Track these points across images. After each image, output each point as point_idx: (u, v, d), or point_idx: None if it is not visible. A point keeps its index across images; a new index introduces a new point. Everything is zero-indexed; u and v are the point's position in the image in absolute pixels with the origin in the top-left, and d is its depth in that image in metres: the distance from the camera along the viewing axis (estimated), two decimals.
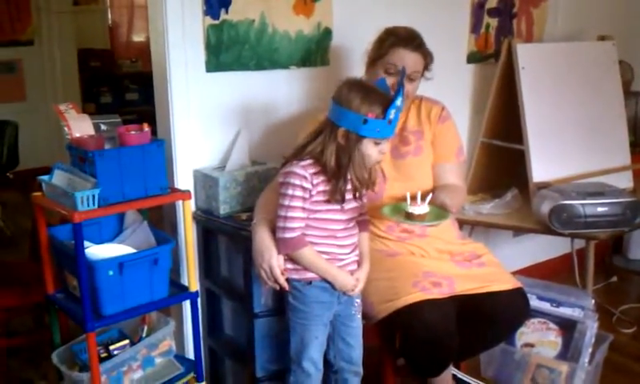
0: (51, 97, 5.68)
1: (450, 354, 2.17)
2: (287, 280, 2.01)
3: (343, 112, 1.88)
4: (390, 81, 2.14)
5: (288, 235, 1.95)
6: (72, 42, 5.73)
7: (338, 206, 1.97)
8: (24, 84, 5.76)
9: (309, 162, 1.93)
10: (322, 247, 1.98)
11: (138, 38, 6.96)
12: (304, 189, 1.92)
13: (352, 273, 2.04)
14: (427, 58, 2.26)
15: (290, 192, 1.92)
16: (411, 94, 2.27)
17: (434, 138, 2.34)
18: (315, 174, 1.92)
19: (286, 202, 1.93)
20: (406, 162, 2.30)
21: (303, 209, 1.93)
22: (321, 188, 1.93)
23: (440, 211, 2.10)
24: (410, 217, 2.05)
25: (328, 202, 1.95)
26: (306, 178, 1.91)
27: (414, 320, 2.07)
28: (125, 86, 6.54)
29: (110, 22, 6.82)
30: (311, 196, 1.93)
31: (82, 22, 6.03)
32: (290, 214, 1.93)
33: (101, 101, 6.28)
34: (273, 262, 1.98)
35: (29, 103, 5.75)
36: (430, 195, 2.10)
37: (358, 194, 1.98)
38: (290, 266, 2.00)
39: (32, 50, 5.72)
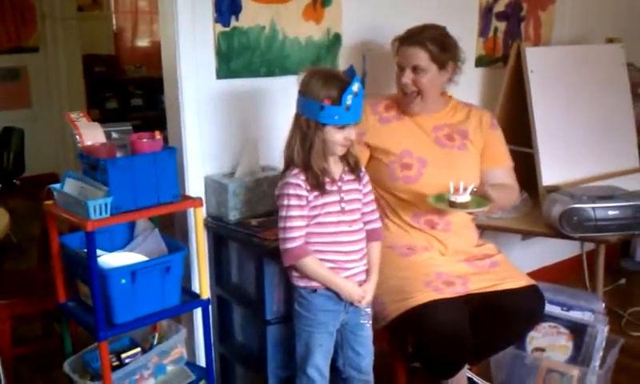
0: (56, 103, 5.69)
1: (464, 353, 2.17)
2: (294, 287, 2.02)
3: (304, 101, 1.93)
4: (403, 79, 2.30)
5: (289, 245, 1.95)
6: (77, 48, 5.73)
7: (337, 208, 1.98)
8: (29, 90, 5.77)
9: (298, 169, 1.95)
10: (327, 255, 1.99)
11: (142, 43, 6.97)
12: (299, 196, 1.93)
13: (360, 284, 2.04)
14: (430, 50, 2.28)
15: (285, 202, 1.95)
16: (425, 85, 2.32)
17: (487, 143, 2.42)
18: (306, 179, 1.94)
19: (284, 213, 1.95)
20: (451, 151, 2.36)
21: (302, 217, 1.95)
22: (316, 192, 1.95)
23: (480, 199, 2.19)
24: (452, 205, 2.16)
25: (325, 204, 1.96)
26: (299, 186, 1.93)
27: (426, 319, 2.08)
28: (130, 92, 6.54)
29: (114, 27, 6.82)
30: (308, 202, 1.95)
31: (87, 28, 6.04)
32: (289, 224, 1.94)
33: (106, 106, 6.28)
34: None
35: (34, 110, 5.77)
36: (472, 186, 2.18)
37: (340, 179, 2.00)
38: (295, 273, 2.01)
39: (37, 57, 5.73)
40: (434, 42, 2.30)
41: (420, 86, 2.31)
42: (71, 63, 5.67)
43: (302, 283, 2.01)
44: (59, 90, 5.70)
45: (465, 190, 2.16)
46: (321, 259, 1.98)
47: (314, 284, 2.00)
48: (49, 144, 5.65)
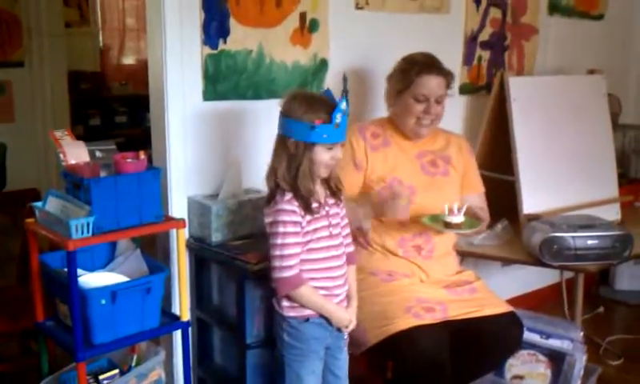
0: (40, 119, 5.64)
1: (444, 380, 2.16)
2: (283, 317, 1.99)
3: (290, 123, 1.91)
4: (420, 108, 2.32)
5: (286, 274, 1.92)
6: (62, 64, 5.69)
7: (327, 232, 1.98)
8: (13, 105, 5.71)
9: (290, 195, 1.93)
10: (319, 282, 1.98)
11: (128, 60, 6.97)
12: (295, 223, 1.92)
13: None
14: (449, 77, 2.37)
15: (281, 230, 1.91)
16: (440, 115, 2.38)
17: (467, 169, 2.49)
18: (299, 204, 1.93)
19: (279, 241, 1.91)
20: (435, 178, 2.40)
21: (298, 244, 1.93)
22: (308, 217, 1.94)
23: (473, 221, 2.29)
24: (448, 225, 2.23)
25: (316, 230, 1.95)
26: (294, 212, 1.92)
27: (407, 346, 2.08)
28: (114, 109, 6.52)
29: (101, 44, 6.81)
30: (302, 228, 1.93)
31: (73, 44, 6.01)
32: (286, 251, 1.91)
33: (90, 123, 6.24)
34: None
35: (17, 125, 5.70)
36: (465, 207, 2.24)
37: (324, 202, 1.99)
38: (286, 303, 1.98)
39: (22, 72, 5.68)
40: (448, 71, 2.38)
41: (437, 116, 2.36)
42: (56, 79, 5.63)
43: (292, 313, 1.98)
44: (43, 106, 5.65)
45: (459, 211, 2.23)
46: (314, 287, 1.97)
47: (307, 312, 1.98)
48: (31, 160, 5.58)
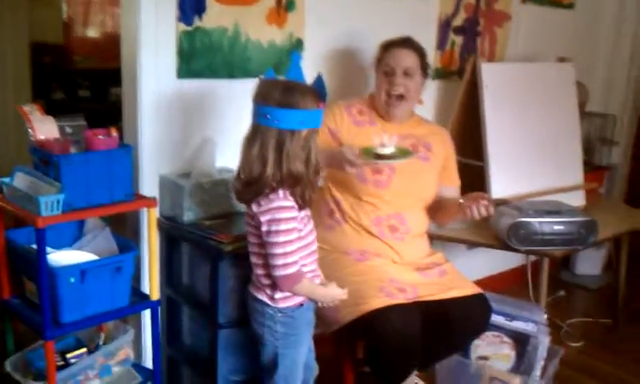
0: (0, 92, 5.49)
1: (415, 359, 2.21)
2: (277, 310, 1.96)
3: (297, 113, 1.83)
4: (390, 82, 2.36)
5: (290, 271, 1.88)
6: (24, 36, 5.54)
7: (308, 216, 1.98)
8: None
9: (283, 191, 1.87)
10: (309, 266, 1.97)
11: (92, 34, 6.79)
12: (294, 218, 1.88)
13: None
14: (418, 52, 2.41)
15: (283, 227, 1.86)
16: (412, 91, 2.40)
17: (447, 161, 2.52)
18: (294, 198, 1.89)
19: (281, 239, 1.86)
20: (416, 162, 2.38)
21: (298, 239, 1.90)
22: (302, 209, 1.93)
23: (405, 150, 2.23)
24: (380, 157, 2.16)
25: (303, 218, 1.94)
26: (293, 207, 1.88)
27: (379, 325, 2.10)
28: (77, 83, 6.36)
29: (64, 16, 6.62)
30: (298, 221, 1.91)
31: (36, 16, 5.83)
32: (289, 248, 1.87)
33: (52, 97, 6.08)
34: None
35: None
36: (395, 137, 2.19)
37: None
38: (279, 295, 1.95)
39: None
40: (422, 49, 2.43)
41: (408, 91, 2.38)
42: (17, 51, 5.47)
43: (287, 303, 1.96)
44: (3, 79, 5.48)
45: (389, 141, 2.17)
46: (306, 271, 1.95)
47: (300, 299, 1.97)
48: None
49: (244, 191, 1.92)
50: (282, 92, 1.84)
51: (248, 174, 1.89)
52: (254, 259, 1.97)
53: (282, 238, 1.86)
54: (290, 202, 1.88)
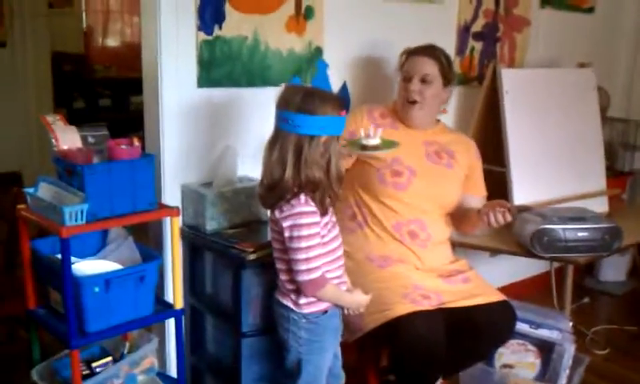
0: (22, 101, 5.56)
1: (440, 365, 2.19)
2: (301, 315, 1.97)
3: (322, 120, 1.84)
4: (406, 87, 2.39)
5: (313, 276, 1.89)
6: (46, 46, 5.60)
7: (332, 222, 1.98)
8: None
9: (305, 196, 1.88)
10: (334, 272, 1.97)
11: (112, 43, 6.86)
12: (317, 224, 1.89)
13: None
14: (441, 63, 2.41)
15: (304, 232, 1.87)
16: (428, 98, 2.40)
17: (472, 171, 2.51)
18: (315, 203, 1.90)
19: (304, 244, 1.87)
20: (439, 168, 2.42)
21: (320, 244, 1.90)
22: (324, 214, 1.93)
23: (390, 141, 2.22)
24: (364, 148, 2.17)
25: (327, 223, 1.94)
26: (315, 213, 1.89)
27: (405, 331, 2.09)
28: (98, 92, 6.42)
29: (84, 26, 6.70)
30: (321, 227, 1.91)
31: (57, 26, 5.91)
32: (312, 253, 1.87)
33: (73, 106, 6.14)
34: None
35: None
36: (380, 130, 2.19)
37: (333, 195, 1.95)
38: (304, 300, 1.96)
39: (4, 53, 5.58)
40: (444, 57, 2.43)
41: (423, 98, 2.38)
42: (39, 60, 5.54)
43: (312, 309, 1.96)
44: (26, 88, 5.56)
45: (375, 133, 2.18)
46: (331, 278, 1.95)
47: (325, 305, 1.97)
48: (13, 142, 5.51)
49: (267, 196, 1.94)
50: (302, 97, 1.86)
51: (269, 179, 1.91)
52: (278, 264, 1.98)
53: (304, 244, 1.86)
54: (312, 208, 1.88)
